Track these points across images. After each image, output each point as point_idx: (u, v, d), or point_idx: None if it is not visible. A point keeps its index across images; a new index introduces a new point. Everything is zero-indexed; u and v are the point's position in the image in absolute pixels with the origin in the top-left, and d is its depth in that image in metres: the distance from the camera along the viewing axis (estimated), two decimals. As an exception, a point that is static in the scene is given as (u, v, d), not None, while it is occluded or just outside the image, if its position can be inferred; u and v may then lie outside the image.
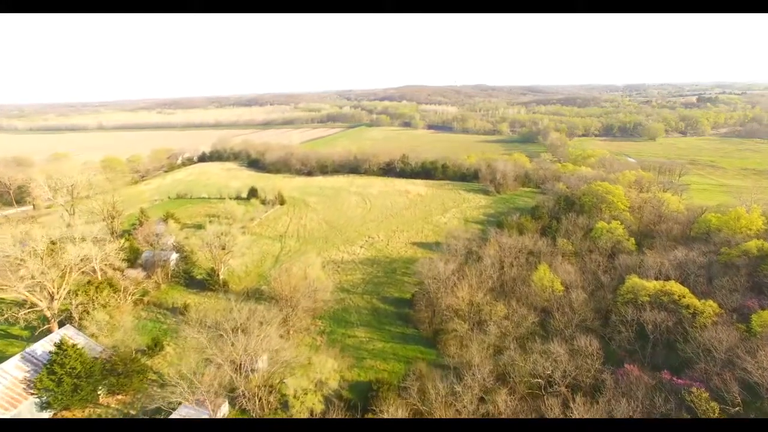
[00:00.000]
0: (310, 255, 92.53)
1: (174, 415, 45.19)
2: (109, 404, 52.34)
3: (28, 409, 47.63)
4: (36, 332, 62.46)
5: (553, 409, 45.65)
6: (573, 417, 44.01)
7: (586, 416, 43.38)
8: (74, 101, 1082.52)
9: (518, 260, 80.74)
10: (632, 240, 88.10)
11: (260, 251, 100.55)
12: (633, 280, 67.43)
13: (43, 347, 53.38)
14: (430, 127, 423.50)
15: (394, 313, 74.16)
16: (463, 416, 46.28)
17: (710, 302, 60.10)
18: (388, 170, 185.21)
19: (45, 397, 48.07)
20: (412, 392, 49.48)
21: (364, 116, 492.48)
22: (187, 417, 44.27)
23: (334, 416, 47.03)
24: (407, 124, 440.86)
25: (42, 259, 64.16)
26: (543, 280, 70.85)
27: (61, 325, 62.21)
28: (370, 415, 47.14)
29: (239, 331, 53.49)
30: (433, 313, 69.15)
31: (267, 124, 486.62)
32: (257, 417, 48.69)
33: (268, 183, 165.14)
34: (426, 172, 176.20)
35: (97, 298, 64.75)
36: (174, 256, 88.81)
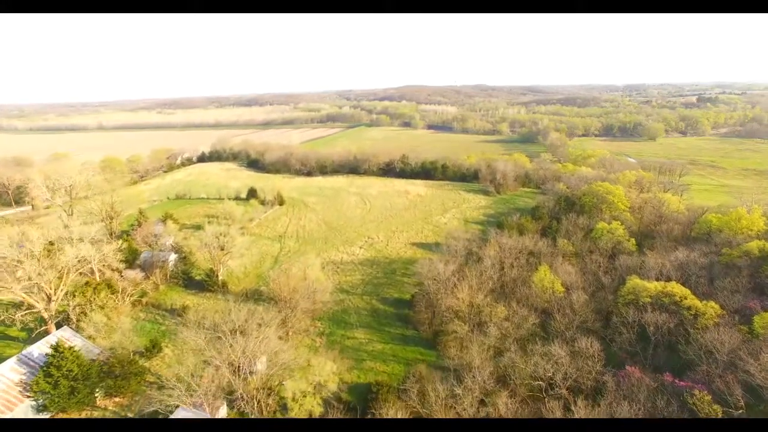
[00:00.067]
0: (310, 256, 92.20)
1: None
2: (106, 407, 51.91)
3: (24, 412, 47.20)
4: (33, 334, 62.04)
5: (554, 412, 45.27)
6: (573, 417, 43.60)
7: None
8: (74, 101, 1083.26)
9: (518, 261, 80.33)
10: (633, 240, 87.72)
11: (259, 252, 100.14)
12: (634, 281, 67.04)
13: (39, 349, 52.94)
14: (429, 127, 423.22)
15: (394, 314, 73.75)
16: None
17: (712, 303, 59.73)
18: (388, 170, 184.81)
19: (41, 400, 47.63)
20: (411, 394, 49.09)
21: (363, 116, 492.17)
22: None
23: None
24: (407, 124, 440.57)
25: (39, 260, 63.76)
26: (543, 281, 70.49)
27: (58, 326, 61.79)
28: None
29: (238, 332, 53.16)
30: (433, 315, 68.75)
31: (267, 124, 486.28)
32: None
33: (268, 183, 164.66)
34: (426, 172, 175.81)
35: (94, 299, 64.35)
36: (173, 256, 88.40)
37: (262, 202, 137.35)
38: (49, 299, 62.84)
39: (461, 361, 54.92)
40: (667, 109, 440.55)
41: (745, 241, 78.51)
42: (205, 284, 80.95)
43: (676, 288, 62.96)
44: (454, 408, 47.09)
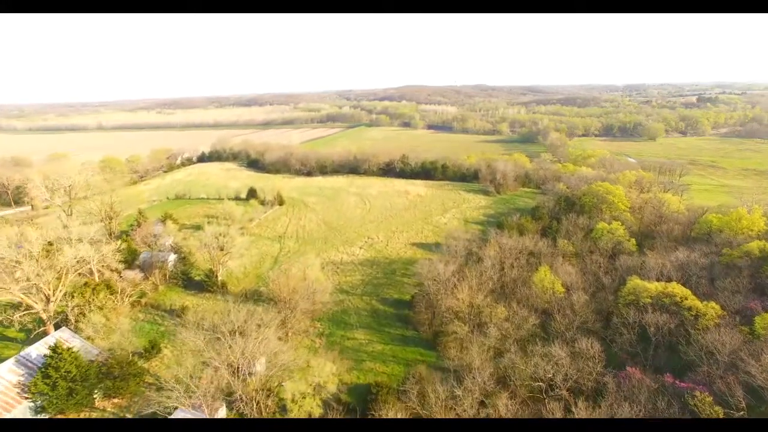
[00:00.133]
0: (309, 256, 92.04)
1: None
2: (105, 408, 51.70)
3: (21, 413, 46.96)
4: (32, 335, 61.86)
5: (554, 414, 45.11)
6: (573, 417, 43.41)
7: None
8: (74, 101, 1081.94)
9: (519, 261, 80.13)
10: (633, 241, 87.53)
11: (259, 252, 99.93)
12: (634, 282, 66.84)
13: (38, 350, 52.74)
14: (429, 127, 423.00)
15: (394, 314, 73.55)
16: (463, 420, 45.65)
17: (712, 304, 59.56)
18: (388, 170, 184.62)
19: (39, 401, 47.42)
20: (411, 396, 48.88)
21: (363, 116, 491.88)
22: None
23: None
24: (407, 124, 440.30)
25: (38, 260, 63.56)
26: (544, 281, 70.29)
27: (57, 327, 61.58)
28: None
29: (237, 333, 52.92)
30: (432, 315, 68.56)
31: (267, 124, 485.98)
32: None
33: (268, 183, 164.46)
34: (426, 172, 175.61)
35: (93, 300, 64.15)
36: (172, 257, 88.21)
37: (262, 203, 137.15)
38: (48, 300, 62.62)
39: (461, 362, 54.71)
40: (667, 109, 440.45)
41: (746, 241, 78.31)
42: (205, 285, 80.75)
43: (677, 288, 62.77)
44: (454, 409, 46.89)
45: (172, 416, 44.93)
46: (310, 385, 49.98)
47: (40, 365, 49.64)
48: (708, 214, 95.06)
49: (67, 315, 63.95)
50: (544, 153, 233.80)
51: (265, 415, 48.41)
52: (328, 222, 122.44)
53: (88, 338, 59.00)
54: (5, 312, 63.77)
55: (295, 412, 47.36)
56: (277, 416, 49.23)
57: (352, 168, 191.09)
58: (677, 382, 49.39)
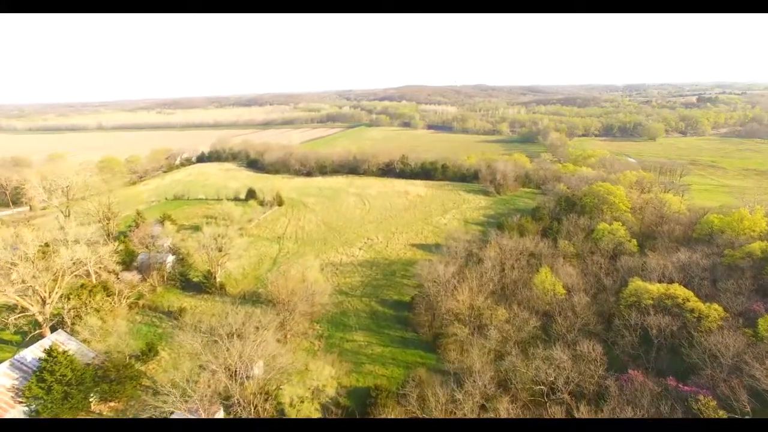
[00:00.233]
0: (308, 257, 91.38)
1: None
2: (101, 412, 51.12)
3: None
4: (27, 337, 61.24)
5: (556, 417, 44.42)
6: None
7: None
8: (74, 101, 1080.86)
9: (519, 262, 79.51)
10: (634, 241, 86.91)
11: (258, 253, 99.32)
12: (636, 283, 66.23)
13: (33, 353, 52.12)
14: (429, 127, 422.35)
15: (393, 316, 72.96)
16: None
17: (715, 306, 58.94)
18: (388, 171, 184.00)
19: (34, 406, 46.80)
20: (411, 399, 48.27)
21: (363, 116, 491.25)
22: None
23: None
24: (407, 124, 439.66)
25: (33, 262, 62.94)
26: (545, 282, 69.66)
27: (53, 329, 60.98)
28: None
29: (235, 336, 52.36)
30: (432, 317, 67.97)
31: (266, 125, 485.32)
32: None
33: (267, 184, 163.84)
34: (426, 172, 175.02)
35: (90, 302, 63.56)
36: (170, 258, 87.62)
37: (261, 203, 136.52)
38: (44, 302, 61.98)
39: (461, 365, 54.12)
40: (667, 109, 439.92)
41: (748, 242, 77.73)
42: (203, 286, 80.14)
43: (679, 290, 62.15)
44: (455, 413, 46.29)
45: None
46: (309, 388, 49.46)
47: (35, 369, 49.04)
48: (709, 214, 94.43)
49: (63, 317, 63.31)
50: (544, 153, 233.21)
51: (262, 419, 47.77)
52: (327, 223, 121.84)
53: (85, 341, 58.38)
54: (0, 314, 63.20)
55: (293, 416, 46.72)
56: (275, 420, 48.61)
57: (351, 168, 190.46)
58: (680, 385, 48.79)
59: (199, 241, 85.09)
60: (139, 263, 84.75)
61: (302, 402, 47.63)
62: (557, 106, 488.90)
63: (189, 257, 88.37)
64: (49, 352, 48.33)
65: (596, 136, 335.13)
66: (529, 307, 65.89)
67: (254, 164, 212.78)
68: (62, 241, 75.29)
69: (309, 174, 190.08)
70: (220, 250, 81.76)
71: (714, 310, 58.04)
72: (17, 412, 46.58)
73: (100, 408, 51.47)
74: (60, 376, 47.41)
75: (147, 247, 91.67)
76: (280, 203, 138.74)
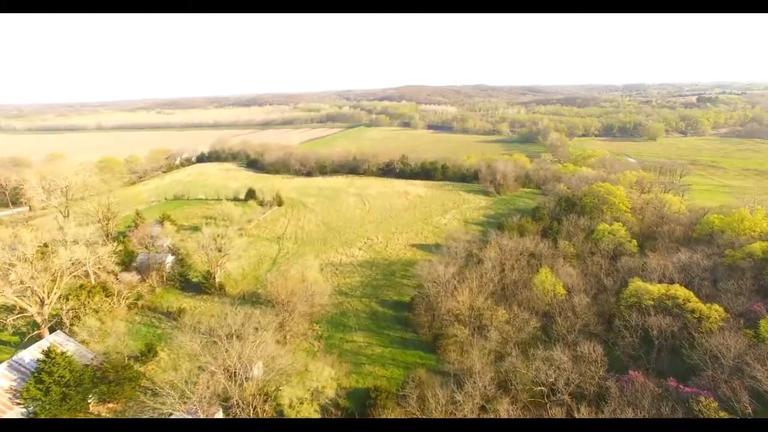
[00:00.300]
0: (308, 257, 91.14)
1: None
2: (99, 413, 50.94)
3: (14, 419, 46.11)
4: (25, 338, 60.97)
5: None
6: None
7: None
8: (73, 101, 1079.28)
9: (519, 263, 79.34)
10: (634, 242, 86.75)
11: (257, 254, 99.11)
12: (636, 284, 66.06)
13: (31, 354, 51.92)
14: (429, 127, 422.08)
15: (393, 317, 72.77)
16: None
17: (716, 306, 58.79)
18: (388, 171, 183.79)
19: (32, 407, 46.59)
20: (411, 400, 48.09)
21: (363, 116, 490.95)
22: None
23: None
24: (407, 124, 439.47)
25: (32, 263, 62.71)
26: (545, 283, 69.48)
27: (52, 330, 60.76)
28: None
29: (234, 337, 52.14)
30: (432, 318, 67.79)
31: (266, 125, 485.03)
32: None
33: (267, 184, 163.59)
34: (425, 172, 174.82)
35: (89, 302, 63.30)
36: (169, 258, 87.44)
37: (261, 203, 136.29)
38: (42, 303, 61.78)
39: (461, 366, 53.94)
40: (667, 109, 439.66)
41: (748, 242, 77.55)
42: (202, 286, 79.94)
43: (679, 290, 62.00)
44: (455, 414, 46.11)
45: (167, 422, 44.11)
46: (308, 389, 49.22)
47: (33, 370, 48.83)
48: (710, 214, 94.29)
49: (62, 318, 63.06)
50: (544, 153, 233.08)
51: (262, 421, 47.57)
52: (327, 223, 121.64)
53: (83, 342, 58.17)
54: (-1, 315, 63.00)
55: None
56: (275, 421, 48.40)
57: (351, 168, 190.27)
58: (681, 386, 48.60)
59: (198, 242, 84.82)
60: (139, 264, 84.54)
61: (301, 403, 47.40)
62: (557, 106, 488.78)
63: (188, 258, 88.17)
64: (48, 353, 48.13)
65: (596, 136, 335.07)
66: (529, 308, 65.73)
67: (254, 164, 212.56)
68: (61, 242, 75.06)
69: (309, 174, 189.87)
70: (219, 251, 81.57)
71: (715, 311, 57.89)
72: (15, 413, 46.36)
73: (98, 409, 51.28)
74: (58, 377, 47.20)
75: (146, 247, 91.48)
76: (280, 203, 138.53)
